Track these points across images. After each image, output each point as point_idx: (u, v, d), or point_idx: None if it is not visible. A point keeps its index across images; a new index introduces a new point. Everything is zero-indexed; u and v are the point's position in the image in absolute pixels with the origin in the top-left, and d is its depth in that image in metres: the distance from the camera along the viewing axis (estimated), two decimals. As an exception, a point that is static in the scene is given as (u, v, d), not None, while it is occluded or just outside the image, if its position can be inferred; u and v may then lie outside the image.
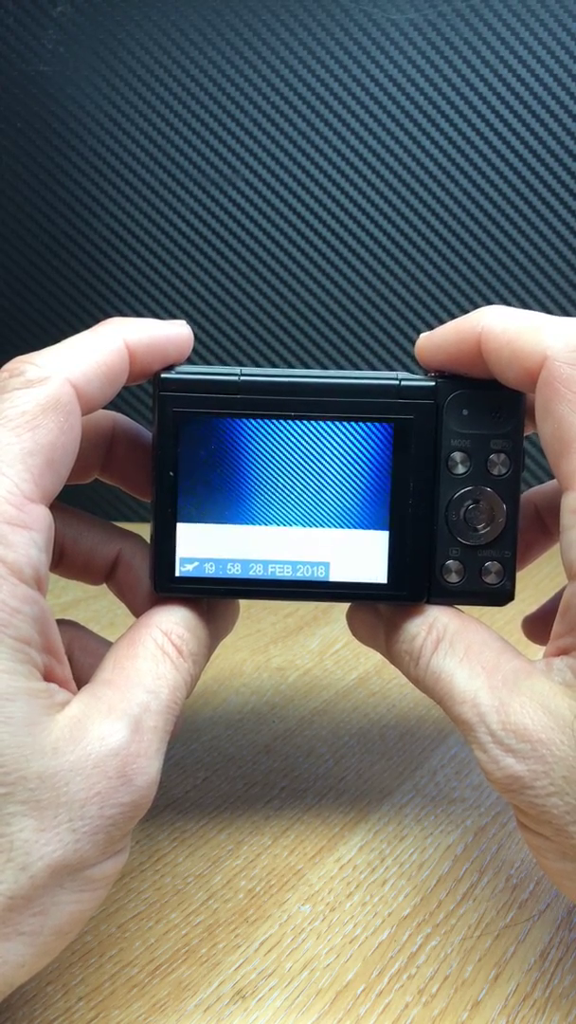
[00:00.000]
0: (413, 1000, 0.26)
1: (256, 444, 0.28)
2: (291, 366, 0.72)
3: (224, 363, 0.72)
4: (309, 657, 0.49)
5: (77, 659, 0.30)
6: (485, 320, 0.27)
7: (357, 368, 0.72)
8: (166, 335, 0.28)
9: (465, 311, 0.69)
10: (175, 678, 0.26)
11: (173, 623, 0.28)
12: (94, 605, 0.56)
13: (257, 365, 0.72)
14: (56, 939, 0.23)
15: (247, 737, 0.40)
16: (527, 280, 0.69)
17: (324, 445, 0.28)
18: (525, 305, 0.69)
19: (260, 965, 0.28)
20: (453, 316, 0.69)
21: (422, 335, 0.30)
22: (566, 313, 0.68)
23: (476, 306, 0.69)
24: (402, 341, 0.71)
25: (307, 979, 0.27)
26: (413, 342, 0.70)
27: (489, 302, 0.69)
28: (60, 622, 0.30)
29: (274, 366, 0.72)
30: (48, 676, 0.24)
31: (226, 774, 0.37)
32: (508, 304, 0.68)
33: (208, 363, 0.73)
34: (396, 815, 0.35)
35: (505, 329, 0.26)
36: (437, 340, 0.29)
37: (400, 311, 0.70)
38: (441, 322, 0.69)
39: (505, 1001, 0.26)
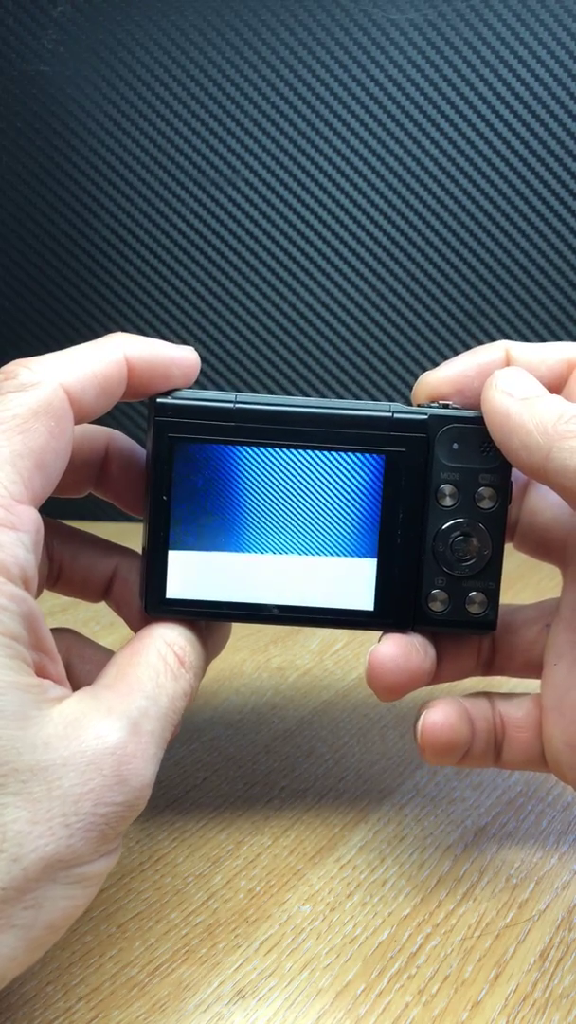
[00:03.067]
0: (413, 1000, 0.26)
1: (249, 471, 0.29)
2: (291, 365, 0.72)
3: (226, 362, 0.72)
4: (309, 657, 0.49)
5: (75, 667, 0.31)
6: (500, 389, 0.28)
7: (357, 366, 0.72)
8: (170, 356, 0.28)
9: (465, 310, 0.69)
10: (175, 688, 0.26)
11: (176, 635, 0.28)
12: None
13: (258, 365, 0.72)
14: (48, 934, 0.23)
15: (247, 737, 0.40)
16: (527, 281, 0.69)
17: (316, 474, 0.29)
18: (527, 307, 0.69)
19: (260, 965, 0.28)
20: (454, 313, 0.69)
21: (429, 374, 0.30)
22: (568, 316, 0.68)
23: (476, 306, 0.69)
24: (400, 339, 0.71)
25: (307, 979, 0.27)
26: (410, 338, 0.70)
27: (490, 302, 0.69)
28: (58, 630, 0.30)
29: (275, 365, 0.72)
30: (40, 673, 0.24)
31: (226, 774, 0.37)
32: (509, 307, 0.69)
33: (212, 363, 0.73)
34: (396, 815, 0.35)
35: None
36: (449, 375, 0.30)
37: (398, 308, 0.70)
38: (440, 319, 0.69)
39: (505, 1001, 0.26)
